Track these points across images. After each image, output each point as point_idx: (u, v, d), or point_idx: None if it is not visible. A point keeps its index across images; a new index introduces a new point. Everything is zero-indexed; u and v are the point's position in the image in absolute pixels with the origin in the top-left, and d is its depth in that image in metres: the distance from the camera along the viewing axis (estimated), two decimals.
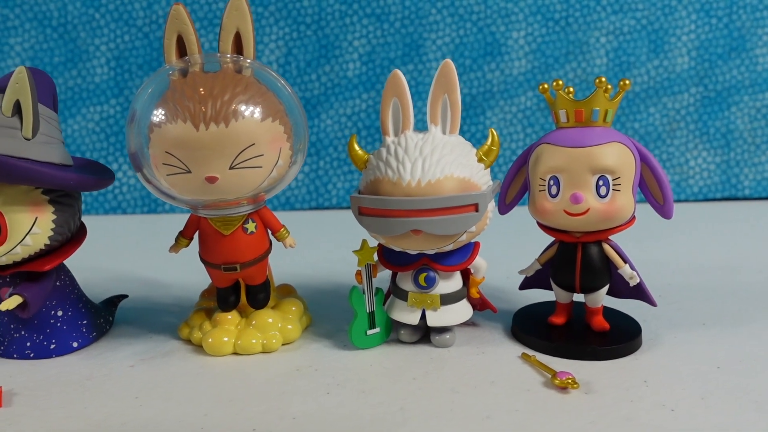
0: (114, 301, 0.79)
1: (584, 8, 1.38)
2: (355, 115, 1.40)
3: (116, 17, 1.35)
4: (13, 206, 0.61)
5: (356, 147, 0.67)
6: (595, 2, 1.39)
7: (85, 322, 0.71)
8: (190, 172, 0.59)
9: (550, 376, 0.61)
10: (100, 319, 0.73)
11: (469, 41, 1.38)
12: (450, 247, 0.65)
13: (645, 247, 1.07)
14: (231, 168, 0.59)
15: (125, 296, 0.81)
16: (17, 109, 0.61)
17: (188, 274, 0.94)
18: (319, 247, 1.14)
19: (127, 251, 1.17)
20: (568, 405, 0.57)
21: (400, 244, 0.64)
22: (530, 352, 0.67)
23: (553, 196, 0.64)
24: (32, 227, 0.62)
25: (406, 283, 0.68)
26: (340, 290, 0.88)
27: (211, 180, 0.59)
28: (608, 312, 0.72)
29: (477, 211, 0.62)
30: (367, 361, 0.66)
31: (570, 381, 0.59)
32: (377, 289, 0.69)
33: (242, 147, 0.59)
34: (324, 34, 1.38)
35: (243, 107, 0.59)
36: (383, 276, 0.75)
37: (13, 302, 0.62)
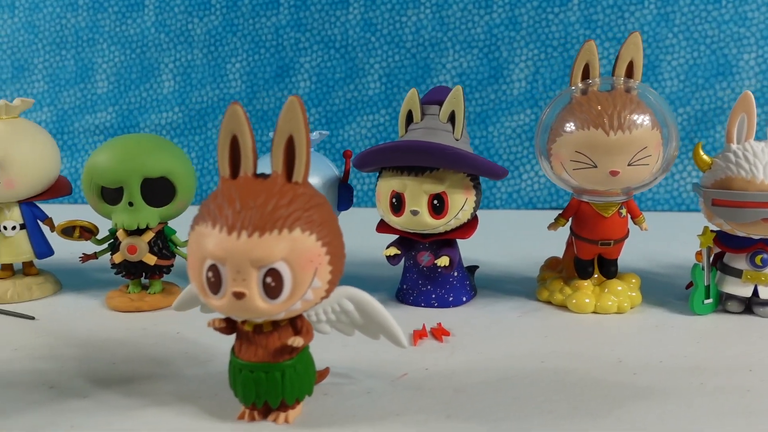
0: (471, 270, 0.99)
1: None
2: None
3: (389, 40, 1.59)
4: (454, 189, 0.81)
5: (701, 152, 0.83)
6: None
7: (467, 282, 0.91)
8: (596, 167, 0.78)
9: None
10: (473, 282, 0.94)
11: (702, 62, 1.52)
12: None
13: None
14: (629, 165, 0.78)
15: (478, 267, 1.01)
16: (451, 117, 0.83)
17: (497, 257, 1.13)
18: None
19: None
20: None
21: (748, 230, 0.80)
22: None
23: None
24: (464, 205, 0.82)
25: (739, 263, 0.84)
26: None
27: (614, 173, 0.78)
28: None
29: None
30: (708, 325, 0.82)
31: None
32: (713, 267, 0.85)
33: (639, 149, 0.78)
34: (566, 57, 1.56)
35: (638, 118, 0.77)
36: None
37: (446, 260, 0.83)
